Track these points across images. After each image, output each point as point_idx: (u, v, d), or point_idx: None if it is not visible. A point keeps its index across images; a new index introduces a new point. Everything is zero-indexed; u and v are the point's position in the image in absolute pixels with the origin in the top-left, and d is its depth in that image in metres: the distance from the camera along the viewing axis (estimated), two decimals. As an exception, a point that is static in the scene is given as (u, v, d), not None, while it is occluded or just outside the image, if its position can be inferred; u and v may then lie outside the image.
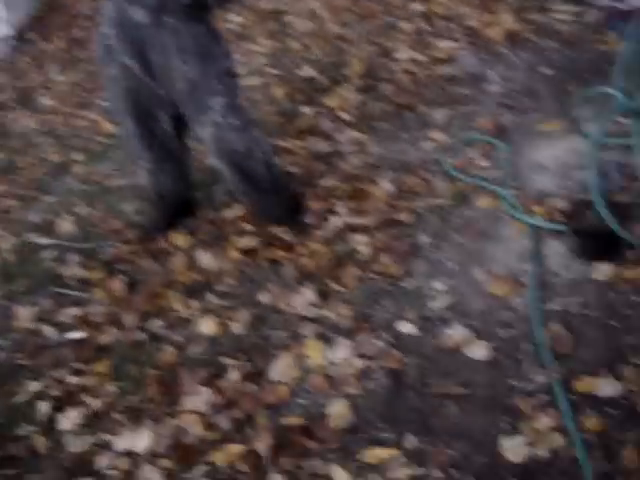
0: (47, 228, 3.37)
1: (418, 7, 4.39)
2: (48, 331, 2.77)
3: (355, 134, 3.36)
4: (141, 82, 2.50)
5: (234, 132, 2.53)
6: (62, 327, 2.77)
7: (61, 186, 3.71)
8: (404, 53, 3.91)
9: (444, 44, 3.93)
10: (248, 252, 2.83)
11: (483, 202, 2.87)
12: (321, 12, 4.71)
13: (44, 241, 3.28)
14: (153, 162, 2.82)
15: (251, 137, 2.59)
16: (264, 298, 2.65)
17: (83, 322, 2.76)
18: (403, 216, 2.83)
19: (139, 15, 2.33)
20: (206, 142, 2.59)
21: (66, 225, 3.32)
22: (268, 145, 2.76)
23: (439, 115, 3.39)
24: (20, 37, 6.30)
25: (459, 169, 3.02)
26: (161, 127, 2.66)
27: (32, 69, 5.61)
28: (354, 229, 2.80)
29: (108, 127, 4.03)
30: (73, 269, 3.02)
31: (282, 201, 2.81)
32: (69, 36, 5.93)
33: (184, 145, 2.86)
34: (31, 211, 3.56)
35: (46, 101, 4.79)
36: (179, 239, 2.98)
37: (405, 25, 4.20)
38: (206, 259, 2.84)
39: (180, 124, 2.68)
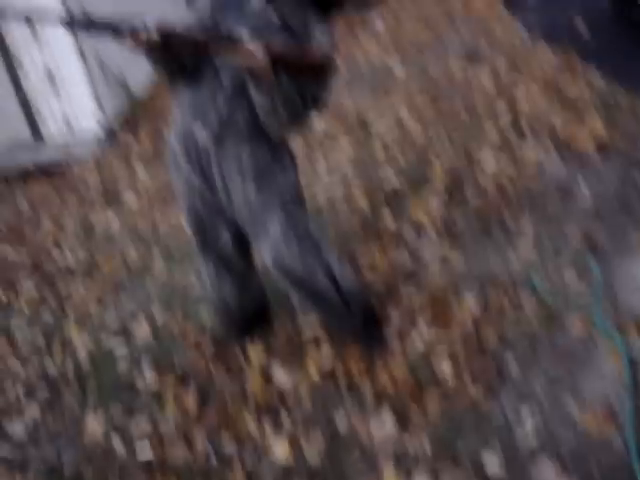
0: (124, 332, 3.35)
1: (502, 105, 4.33)
2: (117, 445, 2.70)
3: (439, 246, 3.26)
4: (204, 197, 2.48)
5: (294, 258, 2.41)
6: (131, 441, 2.69)
7: (140, 289, 3.71)
8: (490, 161, 3.83)
9: (531, 152, 3.84)
10: (325, 370, 2.71)
11: (575, 324, 2.70)
12: (405, 119, 4.70)
13: (120, 346, 3.25)
14: (214, 274, 2.79)
15: (314, 261, 2.45)
16: (340, 422, 2.52)
17: (152, 437, 2.68)
18: (489, 337, 2.68)
19: (202, 133, 2.31)
20: (266, 263, 2.50)
21: (143, 330, 3.30)
22: (337, 263, 2.56)
23: (527, 229, 3.26)
24: (109, 135, 6.53)
25: (549, 288, 2.87)
26: (222, 242, 2.63)
27: (120, 167, 5.76)
28: (436, 350, 2.66)
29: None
30: (146, 378, 2.97)
31: (356, 317, 2.68)
32: (157, 136, 6.09)
33: (248, 259, 2.80)
34: (109, 314, 3.56)
35: (132, 201, 4.88)
36: (254, 353, 2.89)
37: (489, 127, 4.14)
38: (281, 376, 2.74)
39: (243, 240, 2.62)
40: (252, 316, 2.99)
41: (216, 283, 2.80)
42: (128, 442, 2.68)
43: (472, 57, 5.43)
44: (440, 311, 2.85)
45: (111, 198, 5.06)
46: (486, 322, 2.76)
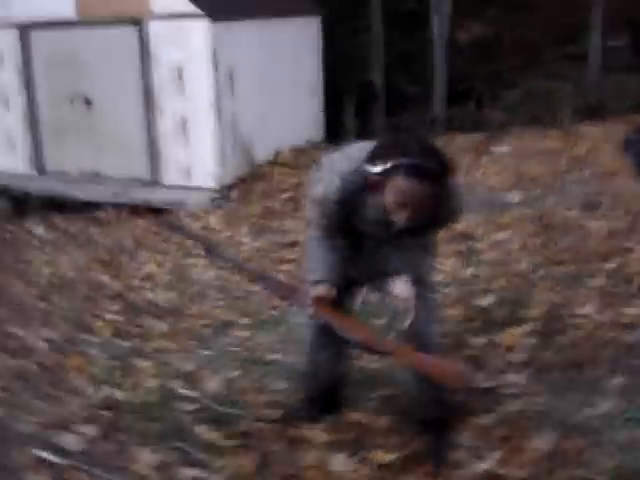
0: (194, 381, 3.40)
1: (610, 265, 4.30)
2: (166, 486, 2.71)
3: (521, 379, 3.21)
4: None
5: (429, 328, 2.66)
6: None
7: (219, 344, 3.78)
8: (587, 309, 3.78)
9: (632, 310, 3.77)
10: (386, 468, 2.68)
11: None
12: (512, 245, 4.72)
13: (188, 393, 3.30)
14: (317, 338, 2.85)
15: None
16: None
17: (201, 488, 2.68)
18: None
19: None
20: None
21: (213, 384, 3.34)
22: None
23: (613, 383, 3.17)
24: (222, 192, 6.79)
25: (627, 445, 2.76)
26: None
27: (224, 225, 5.95)
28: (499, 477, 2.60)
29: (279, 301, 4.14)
30: (207, 430, 2.99)
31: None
32: (267, 205, 6.29)
33: None
34: (185, 360, 3.63)
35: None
36: (319, 434, 2.88)
37: (594, 281, 4.10)
38: (339, 463, 2.71)
39: None
40: (331, 397, 3.01)
41: (315, 347, 2.83)
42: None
43: (591, 206, 5.44)
44: (510, 443, 2.78)
45: (211, 250, 5.22)
46: (553, 465, 2.67)
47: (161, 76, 7.08)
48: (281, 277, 4.59)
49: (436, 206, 2.44)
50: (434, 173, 2.31)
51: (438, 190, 2.35)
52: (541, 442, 2.77)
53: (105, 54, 7.40)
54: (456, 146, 8.20)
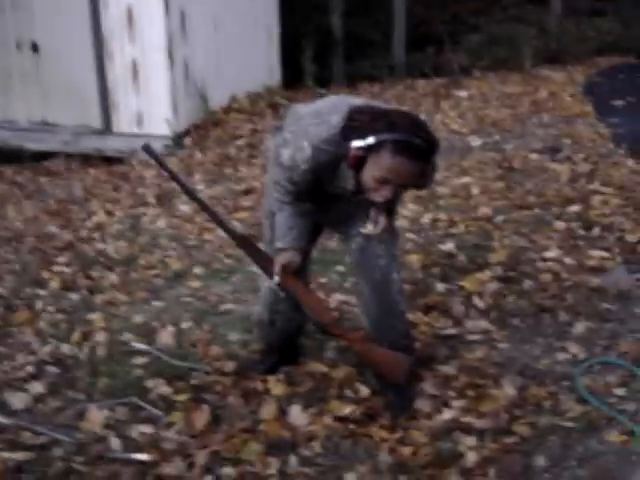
0: (147, 334, 3.25)
1: (574, 208, 4.21)
2: (114, 443, 2.56)
3: (485, 324, 3.12)
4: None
5: (379, 259, 2.54)
6: (129, 442, 2.57)
7: (173, 295, 3.62)
8: (552, 252, 3.70)
9: (596, 253, 3.70)
10: (344, 420, 2.57)
11: (613, 436, 2.52)
12: (474, 189, 4.61)
13: (140, 346, 3.15)
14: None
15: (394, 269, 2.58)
16: (350, 479, 2.37)
17: (151, 444, 2.55)
18: (521, 429, 2.51)
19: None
20: (353, 256, 2.59)
21: (166, 337, 3.19)
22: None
23: (579, 327, 3.10)
24: (176, 140, 6.56)
25: (591, 391, 2.69)
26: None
27: (180, 173, 5.73)
28: (464, 429, 2.50)
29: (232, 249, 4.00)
30: (159, 384, 2.85)
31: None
32: (222, 151, 6.09)
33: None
34: (136, 312, 3.47)
35: (183, 207, 4.83)
36: (275, 386, 2.76)
37: (558, 224, 4.02)
38: (297, 415, 2.60)
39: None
40: (290, 348, 2.90)
41: (274, 296, 2.64)
42: (125, 442, 2.56)
43: (552, 150, 5.34)
44: (475, 389, 2.70)
45: (163, 199, 5.03)
46: (520, 410, 2.59)
47: (111, 19, 6.75)
48: (237, 225, 4.44)
49: (418, 182, 2.30)
50: (423, 150, 2.15)
51: (424, 167, 2.20)
52: (506, 389, 2.69)
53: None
54: (417, 91, 8.04)
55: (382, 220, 2.43)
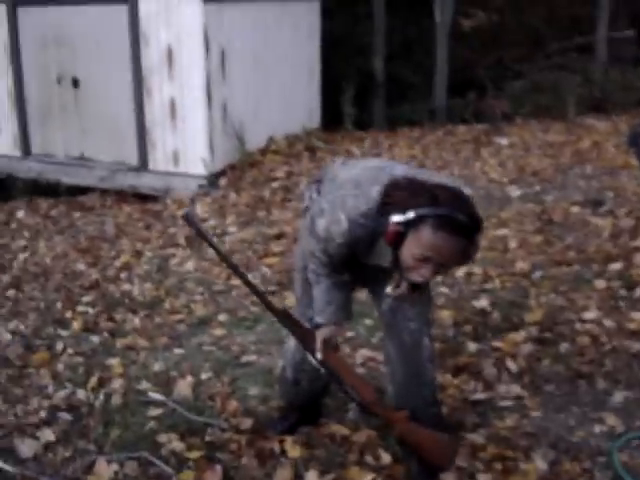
0: (165, 384, 3.15)
1: (616, 266, 4.03)
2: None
3: (518, 390, 2.95)
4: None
5: (410, 322, 2.41)
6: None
7: (195, 343, 3.52)
8: (591, 313, 3.52)
9: (638, 315, 3.50)
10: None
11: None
12: (511, 243, 4.46)
13: (156, 397, 3.05)
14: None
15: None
16: None
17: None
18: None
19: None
20: (383, 317, 2.47)
21: (184, 387, 3.09)
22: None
23: (618, 396, 2.91)
24: (211, 180, 6.51)
25: (628, 469, 2.50)
26: None
27: (210, 213, 5.68)
28: (492, 506, 2.35)
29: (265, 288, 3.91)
30: (172, 439, 2.74)
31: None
32: (257, 193, 6.02)
33: None
34: (156, 359, 3.37)
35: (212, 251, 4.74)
36: (292, 447, 2.63)
37: (598, 283, 3.84)
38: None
39: None
40: (312, 408, 2.78)
41: (302, 353, 2.50)
42: (133, 504, 2.45)
43: (594, 203, 5.17)
44: (504, 461, 2.53)
45: (193, 240, 4.95)
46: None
47: (151, 57, 6.79)
48: (265, 271, 4.34)
49: (460, 262, 2.15)
50: (466, 227, 1.99)
51: (467, 246, 2.04)
52: (537, 463, 2.51)
53: (95, 32, 7.11)
54: (457, 136, 7.93)
55: (404, 284, 2.29)
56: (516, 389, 2.96)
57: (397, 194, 2.06)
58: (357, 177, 2.21)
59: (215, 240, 4.80)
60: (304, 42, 8.38)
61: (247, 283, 2.42)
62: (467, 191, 2.14)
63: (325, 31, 8.72)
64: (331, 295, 2.32)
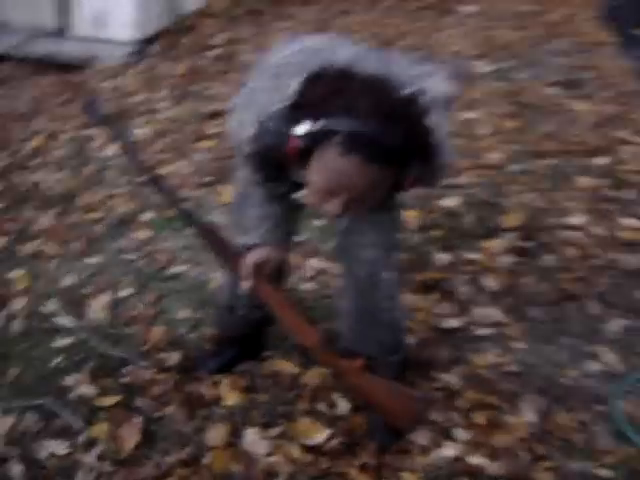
0: (76, 303, 2.61)
1: (600, 161, 3.54)
2: (15, 471, 1.97)
3: (498, 314, 2.50)
4: None
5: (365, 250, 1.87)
6: (33, 472, 1.97)
7: (114, 249, 2.96)
8: (577, 218, 3.05)
9: (629, 221, 3.05)
10: (315, 451, 1.97)
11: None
12: (481, 129, 3.92)
13: (62, 320, 2.52)
14: None
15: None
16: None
17: (62, 475, 1.95)
18: (544, 477, 1.92)
19: None
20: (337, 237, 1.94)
21: (98, 309, 2.57)
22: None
23: (613, 325, 2.48)
24: (141, 47, 5.73)
25: (632, 422, 2.09)
26: None
27: (140, 85, 4.98)
28: (472, 474, 1.92)
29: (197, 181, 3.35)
30: (82, 381, 2.24)
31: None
32: (190, 64, 5.30)
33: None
34: (65, 270, 2.82)
35: (140, 130, 4.10)
36: (228, 393, 2.15)
37: (583, 181, 3.35)
38: (254, 442, 2.00)
39: None
40: (253, 339, 2.29)
41: (233, 277, 1.96)
42: (28, 472, 1.96)
43: (571, 84, 4.62)
44: (485, 410, 2.10)
45: (119, 120, 4.28)
46: (543, 447, 2.00)
47: None
48: (199, 158, 3.73)
49: (395, 188, 1.51)
50: (389, 151, 1.36)
51: (394, 173, 1.42)
52: (525, 415, 2.09)
53: None
54: (416, 3, 7.19)
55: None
56: (495, 313, 2.50)
57: (316, 92, 1.41)
58: (281, 63, 1.55)
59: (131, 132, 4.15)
60: None
61: (158, 185, 1.91)
62: (430, 95, 1.48)
63: None
64: (267, 209, 1.78)
